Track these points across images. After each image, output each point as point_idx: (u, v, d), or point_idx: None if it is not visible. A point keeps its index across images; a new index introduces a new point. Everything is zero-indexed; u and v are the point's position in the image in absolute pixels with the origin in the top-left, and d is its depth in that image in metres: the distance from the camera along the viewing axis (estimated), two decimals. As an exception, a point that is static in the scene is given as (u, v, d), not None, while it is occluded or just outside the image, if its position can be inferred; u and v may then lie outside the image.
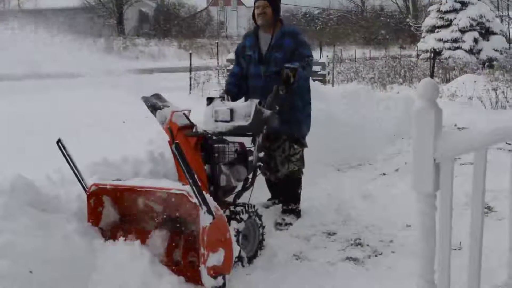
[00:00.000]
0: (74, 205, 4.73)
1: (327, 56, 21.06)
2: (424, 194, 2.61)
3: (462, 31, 29.34)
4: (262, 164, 5.45)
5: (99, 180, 4.75)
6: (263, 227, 5.19)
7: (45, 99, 9.51)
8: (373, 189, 7.16)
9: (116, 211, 4.75)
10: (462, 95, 15.16)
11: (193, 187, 3.98)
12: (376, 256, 5.13)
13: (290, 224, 5.91)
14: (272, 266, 4.87)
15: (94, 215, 4.66)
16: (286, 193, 6.18)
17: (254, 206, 5.10)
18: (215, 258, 4.18)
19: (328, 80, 18.82)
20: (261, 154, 5.34)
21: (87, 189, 4.59)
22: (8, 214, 4.23)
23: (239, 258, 4.75)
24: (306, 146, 6.07)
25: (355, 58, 32.97)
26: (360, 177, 7.94)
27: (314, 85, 9.73)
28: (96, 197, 4.65)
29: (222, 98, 5.64)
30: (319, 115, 8.13)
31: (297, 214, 6.10)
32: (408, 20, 46.42)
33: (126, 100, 7.02)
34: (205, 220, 4.07)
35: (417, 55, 31.04)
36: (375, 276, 4.63)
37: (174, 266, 4.41)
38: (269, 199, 6.42)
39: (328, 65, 19.23)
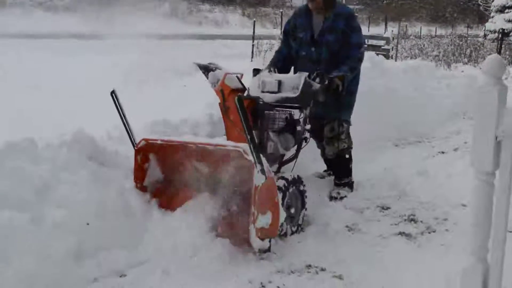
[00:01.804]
0: (132, 162, 4.81)
1: (392, 31, 20.80)
2: (482, 172, 2.58)
3: (534, 12, 28.60)
4: (308, 137, 5.42)
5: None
6: (305, 193, 5.03)
7: (110, 59, 9.71)
8: (430, 166, 7.05)
9: (160, 170, 4.76)
10: (528, 79, 14.85)
11: (251, 144, 3.92)
12: (429, 233, 5.08)
13: (345, 196, 5.88)
14: (324, 235, 4.87)
15: (141, 172, 4.68)
16: (339, 169, 6.13)
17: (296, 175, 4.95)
18: (264, 220, 4.14)
19: (392, 56, 18.60)
20: (308, 127, 5.31)
21: (136, 144, 4.61)
22: (69, 166, 4.35)
23: (284, 233, 4.70)
24: (351, 124, 5.97)
25: (420, 35, 32.49)
26: (418, 154, 7.87)
27: (377, 60, 9.68)
28: (144, 153, 4.66)
29: (269, 70, 5.59)
30: (378, 89, 8.08)
31: (351, 186, 6.07)
32: (477, -2, 45.38)
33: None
34: (258, 179, 4.02)
35: (484, 35, 30.39)
36: (427, 252, 4.58)
37: (217, 227, 4.38)
38: (324, 170, 6.42)
39: (393, 40, 18.98)
